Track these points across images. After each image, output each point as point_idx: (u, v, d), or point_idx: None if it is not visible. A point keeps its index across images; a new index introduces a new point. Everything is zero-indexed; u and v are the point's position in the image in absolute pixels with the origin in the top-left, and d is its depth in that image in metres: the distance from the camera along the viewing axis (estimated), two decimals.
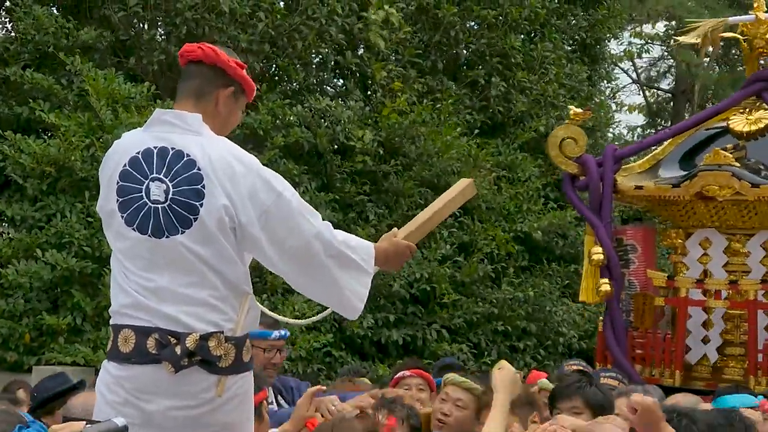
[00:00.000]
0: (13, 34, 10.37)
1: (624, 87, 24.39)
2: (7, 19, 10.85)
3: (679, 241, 5.64)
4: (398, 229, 3.49)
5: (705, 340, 5.52)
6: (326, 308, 3.44)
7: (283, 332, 5.00)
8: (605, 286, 5.44)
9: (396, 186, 11.03)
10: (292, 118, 10.38)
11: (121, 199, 3.06)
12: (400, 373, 5.05)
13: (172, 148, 3.06)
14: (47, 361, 8.54)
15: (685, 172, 5.52)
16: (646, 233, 5.80)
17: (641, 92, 25.29)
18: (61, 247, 8.83)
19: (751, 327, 5.27)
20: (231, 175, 3.01)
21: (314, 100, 10.71)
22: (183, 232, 3.00)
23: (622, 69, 23.71)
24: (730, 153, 5.38)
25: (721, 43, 5.52)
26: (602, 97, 15.47)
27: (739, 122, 5.58)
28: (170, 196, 3.01)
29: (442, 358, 8.35)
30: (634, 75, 24.95)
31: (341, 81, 12.31)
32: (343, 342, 10.22)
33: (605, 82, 16.76)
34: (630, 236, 5.74)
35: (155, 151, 3.07)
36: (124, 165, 3.08)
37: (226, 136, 3.19)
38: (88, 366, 8.33)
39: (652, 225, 6.37)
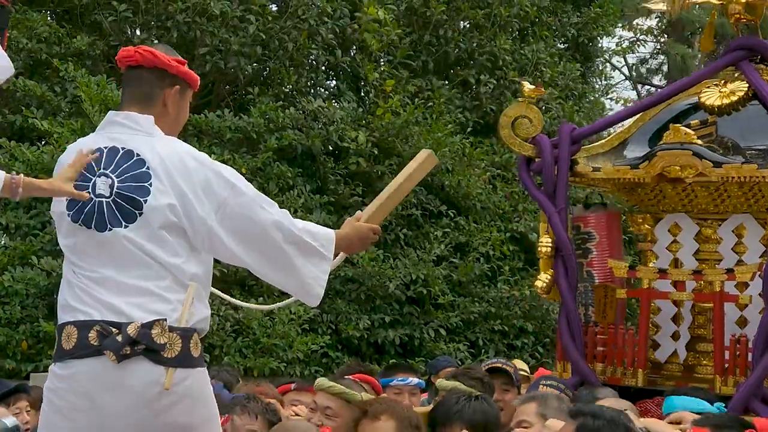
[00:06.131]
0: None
1: (617, 84, 24.35)
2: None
3: (647, 227, 5.06)
4: (362, 211, 3.58)
5: (675, 336, 4.92)
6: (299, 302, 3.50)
7: (418, 380, 4.99)
8: (540, 282, 4.85)
9: None
10: (285, 121, 10.37)
11: (69, 199, 3.07)
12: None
13: (122, 148, 3.08)
14: (45, 368, 8.52)
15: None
16: (610, 219, 5.15)
17: (634, 89, 25.26)
18: (57, 253, 8.81)
19: (717, 322, 4.63)
20: (183, 171, 3.03)
21: (307, 102, 10.70)
22: (126, 226, 3.00)
23: (615, 66, 23.69)
24: (696, 129, 4.79)
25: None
26: (596, 95, 15.38)
27: (711, 95, 4.90)
28: (114, 190, 3.03)
29: (437, 357, 8.27)
30: (626, 71, 24.93)
31: (333, 82, 12.28)
32: (340, 343, 10.22)
33: (598, 79, 16.70)
34: (590, 223, 5.10)
35: (105, 150, 3.09)
36: None
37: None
38: None
39: (617, 210, 5.56)
